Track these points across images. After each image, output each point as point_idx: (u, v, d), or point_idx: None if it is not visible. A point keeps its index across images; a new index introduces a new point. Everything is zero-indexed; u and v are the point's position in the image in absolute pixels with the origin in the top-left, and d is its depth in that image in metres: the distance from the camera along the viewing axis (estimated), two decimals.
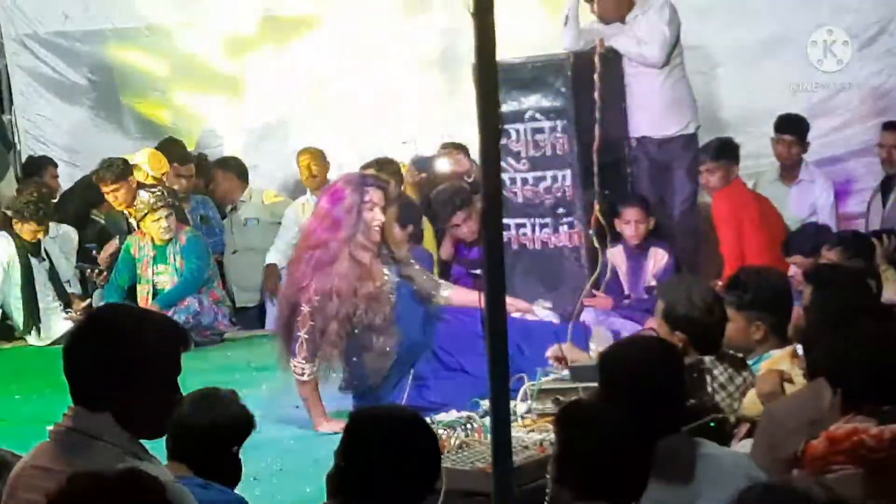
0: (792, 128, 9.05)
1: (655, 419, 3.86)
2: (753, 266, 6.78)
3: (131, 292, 9.65)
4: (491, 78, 3.20)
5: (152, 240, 9.57)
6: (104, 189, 10.14)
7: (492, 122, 3.27)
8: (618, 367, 4.17)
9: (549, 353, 6.23)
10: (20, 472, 3.40)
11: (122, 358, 3.33)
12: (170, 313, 9.22)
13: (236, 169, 10.81)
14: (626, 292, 8.78)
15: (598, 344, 6.96)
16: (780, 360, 5.38)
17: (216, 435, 4.26)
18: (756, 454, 4.50)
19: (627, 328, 8.30)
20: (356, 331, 7.04)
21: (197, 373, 7.11)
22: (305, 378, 7.05)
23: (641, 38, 8.89)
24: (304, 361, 7.02)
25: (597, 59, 8.61)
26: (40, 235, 9.93)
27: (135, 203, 9.67)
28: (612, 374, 4.15)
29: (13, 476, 3.41)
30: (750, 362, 5.48)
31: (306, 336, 6.98)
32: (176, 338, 3.44)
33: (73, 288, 10.14)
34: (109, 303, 8.84)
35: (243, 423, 4.37)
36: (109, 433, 3.29)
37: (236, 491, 4.37)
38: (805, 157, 9.10)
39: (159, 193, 9.61)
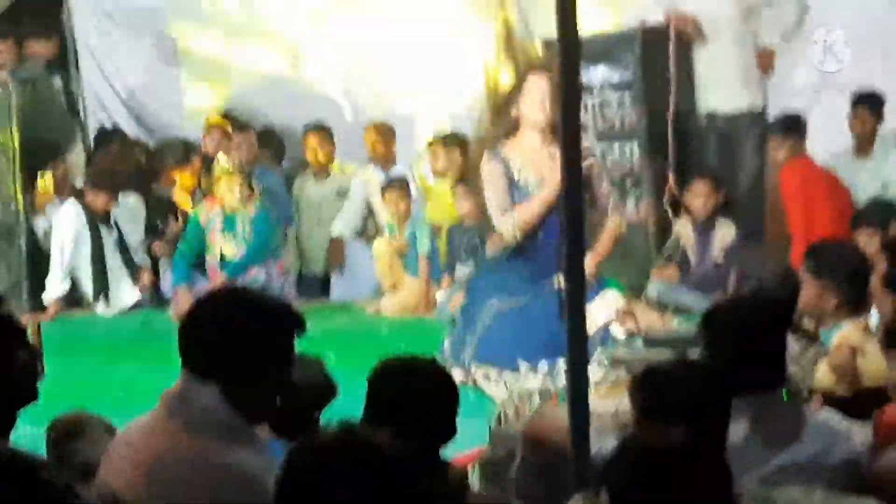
0: (867, 101, 8.92)
1: (760, 378, 3.85)
2: (833, 238, 6.78)
3: (199, 261, 9.69)
4: (573, 55, 3.23)
5: (222, 209, 9.63)
6: (169, 173, 10.24)
7: (572, 98, 3.32)
8: (728, 322, 4.05)
9: (618, 305, 6.20)
10: (126, 429, 3.49)
11: (238, 333, 3.36)
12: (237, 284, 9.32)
13: (331, 136, 10.60)
14: (693, 265, 8.77)
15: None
16: (853, 333, 5.38)
17: (298, 397, 4.25)
18: None
19: (693, 301, 8.32)
20: None
21: None
22: None
23: None
24: None
25: (671, 30, 8.62)
26: (111, 206, 10.02)
27: (212, 165, 9.73)
28: (721, 330, 4.03)
29: (120, 433, 3.52)
30: (822, 331, 5.48)
31: None
32: (291, 324, 3.44)
33: (140, 258, 10.23)
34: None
35: (326, 389, 4.34)
36: (212, 405, 3.32)
37: None
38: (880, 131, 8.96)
39: (238, 161, 9.71)
